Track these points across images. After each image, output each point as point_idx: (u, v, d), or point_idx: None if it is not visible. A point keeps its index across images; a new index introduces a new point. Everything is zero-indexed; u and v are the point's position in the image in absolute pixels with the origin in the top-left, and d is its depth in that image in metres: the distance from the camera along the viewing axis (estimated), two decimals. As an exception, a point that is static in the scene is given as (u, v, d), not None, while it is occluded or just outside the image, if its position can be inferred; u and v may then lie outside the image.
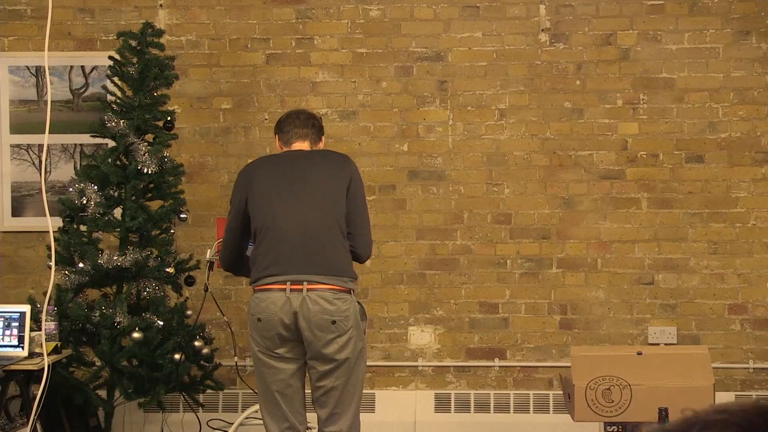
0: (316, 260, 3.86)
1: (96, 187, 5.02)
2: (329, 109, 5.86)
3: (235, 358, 5.45)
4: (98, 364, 5.02)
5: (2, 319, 4.71)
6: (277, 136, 4.20)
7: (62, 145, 5.85)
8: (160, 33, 5.23)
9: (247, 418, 5.38)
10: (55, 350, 4.71)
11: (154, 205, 5.20)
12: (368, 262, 4.21)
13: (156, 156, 5.08)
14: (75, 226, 5.07)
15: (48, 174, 5.84)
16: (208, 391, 5.32)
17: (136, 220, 5.01)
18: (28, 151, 5.91)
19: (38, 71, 5.89)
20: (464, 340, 5.83)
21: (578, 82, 5.80)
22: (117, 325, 4.90)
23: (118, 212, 5.18)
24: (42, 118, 4.24)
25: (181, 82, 5.61)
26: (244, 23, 5.88)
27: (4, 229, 5.91)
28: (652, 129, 5.77)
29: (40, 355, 4.54)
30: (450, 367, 5.84)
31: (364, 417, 4.14)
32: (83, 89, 5.89)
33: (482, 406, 5.77)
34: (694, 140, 5.75)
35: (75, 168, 5.76)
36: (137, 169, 5.05)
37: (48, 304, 4.48)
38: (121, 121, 5.08)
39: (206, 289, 4.85)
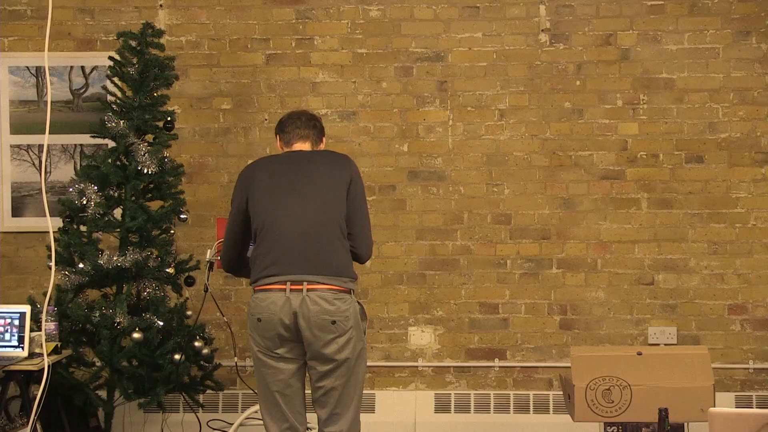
0: (316, 260, 3.85)
1: (96, 188, 5.03)
2: (329, 110, 5.86)
3: (235, 359, 5.45)
4: (98, 364, 5.02)
5: (2, 319, 4.71)
6: (278, 136, 4.20)
7: (62, 145, 5.85)
8: (160, 33, 5.23)
9: (247, 418, 5.38)
10: (55, 350, 4.71)
11: (154, 205, 5.20)
12: (368, 263, 4.21)
13: (156, 156, 5.08)
14: (75, 226, 5.07)
15: (48, 174, 5.84)
16: (208, 391, 5.32)
17: (136, 221, 5.01)
18: (28, 152, 5.91)
19: (38, 71, 5.89)
20: (464, 340, 5.83)
21: (578, 83, 5.80)
22: (117, 325, 4.90)
23: (118, 212, 5.18)
24: (42, 119, 4.25)
25: (181, 82, 5.61)
26: (244, 23, 5.89)
27: (4, 229, 5.91)
28: (652, 129, 5.77)
29: (40, 355, 4.54)
30: (450, 367, 5.84)
31: (364, 417, 4.14)
32: (83, 89, 5.89)
33: (482, 407, 5.77)
34: (694, 140, 5.75)
35: (75, 168, 5.76)
36: (137, 170, 5.05)
37: (48, 305, 4.48)
38: (121, 122, 5.08)
39: (206, 290, 4.84)
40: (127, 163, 5.12)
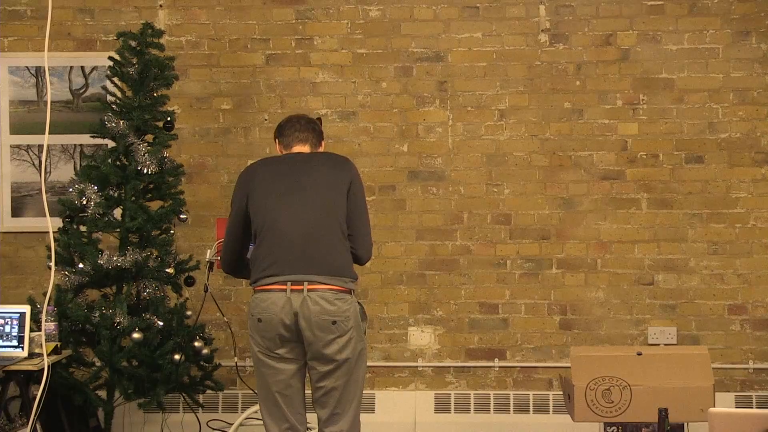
0: (316, 261, 3.86)
1: (96, 188, 5.02)
2: (329, 110, 5.86)
3: (235, 359, 5.45)
4: (98, 364, 5.02)
5: (2, 319, 4.71)
6: (277, 140, 4.20)
7: (62, 145, 5.86)
8: (159, 33, 5.23)
9: (247, 418, 5.38)
10: (55, 351, 4.71)
11: (154, 205, 5.20)
12: (368, 263, 4.21)
13: (156, 156, 5.08)
14: (75, 226, 5.07)
15: (48, 174, 5.84)
16: (208, 391, 5.32)
17: (135, 221, 5.01)
18: (28, 152, 5.91)
19: (38, 72, 5.89)
20: (464, 340, 5.84)
21: (578, 83, 5.80)
22: (117, 325, 4.90)
23: (118, 213, 5.18)
24: (42, 119, 4.25)
25: (180, 82, 5.61)
26: (244, 24, 5.89)
27: (4, 229, 5.91)
28: (651, 129, 5.77)
29: (40, 355, 4.54)
30: (450, 367, 5.84)
31: (364, 417, 4.14)
32: (83, 90, 5.89)
33: (482, 407, 5.77)
34: (694, 141, 5.76)
35: (75, 168, 5.76)
36: (137, 170, 5.05)
37: (48, 305, 4.48)
38: (121, 122, 5.08)
39: (206, 290, 4.85)
40: (127, 163, 5.12)
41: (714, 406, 4.13)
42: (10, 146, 5.90)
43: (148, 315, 5.00)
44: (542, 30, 5.81)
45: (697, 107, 5.76)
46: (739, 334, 5.74)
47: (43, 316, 4.46)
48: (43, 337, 4.51)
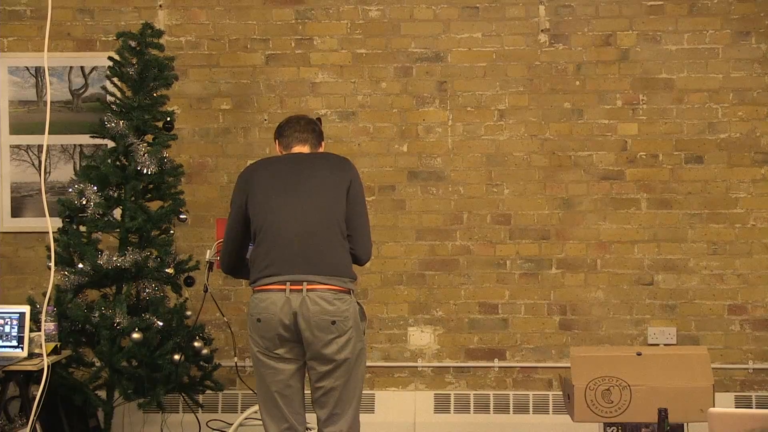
0: (315, 261, 3.86)
1: (95, 188, 5.02)
2: (329, 110, 5.86)
3: (235, 359, 5.46)
4: (98, 364, 5.02)
5: (2, 319, 4.71)
6: (277, 141, 4.20)
7: (62, 145, 5.86)
8: (159, 34, 5.23)
9: (246, 418, 5.38)
10: (55, 351, 4.71)
11: (154, 205, 5.20)
12: (368, 263, 4.21)
13: (155, 156, 5.08)
14: (74, 226, 5.07)
15: (47, 174, 5.84)
16: (208, 391, 5.32)
17: (135, 221, 5.01)
18: (27, 152, 5.91)
19: (38, 72, 5.89)
20: (464, 340, 5.84)
21: (578, 83, 5.80)
22: (116, 325, 4.90)
23: (117, 213, 5.18)
24: (41, 119, 4.25)
25: (180, 82, 5.61)
26: (244, 24, 5.89)
27: (3, 229, 5.91)
28: (651, 129, 5.78)
29: (40, 355, 4.54)
30: (449, 367, 5.84)
31: (363, 417, 4.14)
32: (83, 90, 5.89)
33: (482, 407, 5.77)
34: (694, 141, 5.76)
35: (74, 168, 5.76)
36: (137, 170, 5.05)
37: (47, 305, 4.48)
38: (121, 122, 5.08)
39: (206, 290, 4.85)
40: (126, 163, 5.12)
41: (714, 407, 4.13)
42: (10, 146, 5.90)
43: (148, 315, 5.00)
44: (542, 30, 5.81)
45: (697, 107, 5.76)
46: (739, 335, 5.74)
47: (43, 316, 4.46)
48: (43, 337, 4.51)
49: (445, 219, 5.83)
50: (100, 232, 5.12)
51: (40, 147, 5.82)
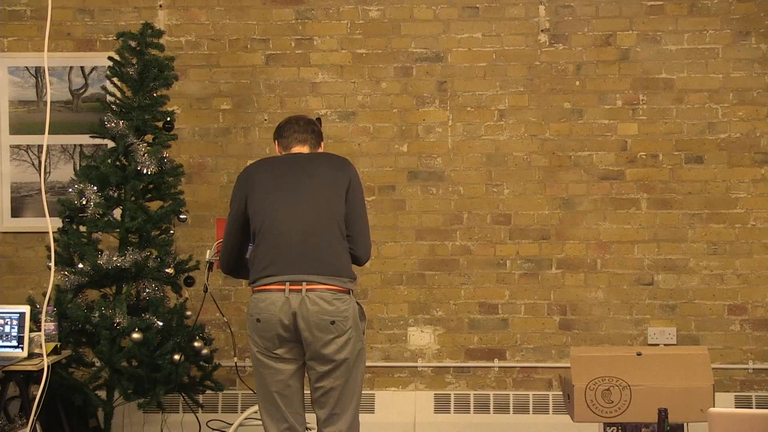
0: (315, 260, 3.86)
1: (95, 188, 5.02)
2: (329, 110, 5.86)
3: (235, 359, 5.46)
4: (98, 364, 5.02)
5: (2, 319, 4.71)
6: (276, 141, 4.20)
7: (62, 145, 5.86)
8: (159, 34, 5.23)
9: (246, 418, 5.38)
10: (55, 351, 4.71)
11: (154, 205, 5.20)
12: (368, 263, 4.21)
13: (155, 156, 5.08)
14: (74, 226, 5.07)
15: (47, 175, 5.84)
16: (208, 391, 5.32)
17: (135, 221, 5.01)
18: (27, 152, 5.91)
19: (38, 72, 5.89)
20: (464, 340, 5.83)
21: (578, 83, 5.80)
22: (116, 325, 4.90)
23: (117, 213, 5.19)
24: (41, 119, 4.25)
25: (180, 82, 5.61)
26: (244, 24, 5.89)
27: (3, 229, 5.91)
28: (651, 130, 5.78)
29: (40, 355, 4.54)
30: (449, 367, 5.84)
31: (363, 417, 4.14)
32: (83, 90, 5.89)
33: (482, 407, 5.77)
34: (694, 141, 5.76)
35: (74, 169, 5.76)
36: (137, 170, 5.05)
37: (47, 305, 4.48)
38: (121, 122, 5.08)
39: (206, 290, 4.85)
40: (126, 163, 5.12)
41: (714, 407, 4.13)
42: (10, 146, 5.90)
43: (148, 315, 5.00)
44: (542, 30, 5.81)
45: (697, 107, 5.76)
46: (739, 335, 5.74)
47: (43, 317, 4.46)
48: (43, 338, 4.51)
49: (445, 219, 5.83)
50: (100, 232, 5.12)
51: (40, 147, 5.82)
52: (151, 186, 5.21)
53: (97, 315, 4.91)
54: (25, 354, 4.66)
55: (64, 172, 5.82)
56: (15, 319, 4.70)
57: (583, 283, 5.79)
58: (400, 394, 5.83)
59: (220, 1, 5.90)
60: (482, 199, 5.83)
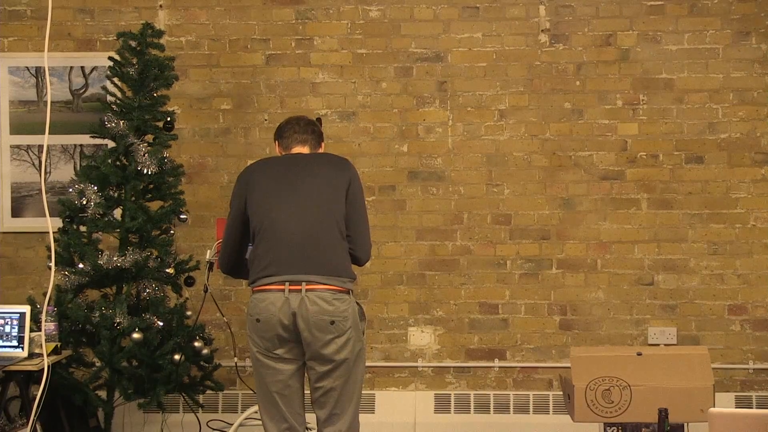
0: (314, 260, 3.86)
1: (96, 188, 5.03)
2: (329, 110, 5.86)
3: (235, 359, 5.45)
4: (98, 364, 5.02)
5: (2, 319, 4.71)
6: (276, 142, 4.21)
7: (62, 145, 5.86)
8: (159, 34, 5.23)
9: (246, 418, 5.38)
10: (55, 351, 4.71)
11: (154, 205, 5.20)
12: (368, 263, 4.21)
13: (156, 157, 5.08)
14: (75, 226, 5.07)
15: (48, 175, 5.84)
16: (208, 391, 5.33)
17: (135, 221, 5.01)
18: (28, 152, 5.91)
19: (38, 72, 5.89)
20: (464, 340, 5.83)
21: (578, 83, 5.80)
22: (117, 325, 4.90)
23: (118, 213, 5.19)
24: (42, 119, 4.25)
25: (180, 82, 5.61)
26: (244, 24, 5.89)
27: (4, 229, 5.91)
28: (651, 130, 5.77)
29: (40, 355, 4.54)
30: (450, 367, 5.84)
31: (363, 418, 4.14)
32: (83, 90, 5.89)
33: (482, 407, 5.77)
34: (694, 141, 5.76)
35: (75, 169, 5.76)
36: (137, 170, 5.05)
37: (48, 305, 4.48)
38: (121, 122, 5.08)
39: (206, 290, 4.85)
40: (126, 163, 5.12)
41: (714, 407, 4.13)
42: (10, 146, 5.90)
43: (148, 315, 5.00)
44: (542, 30, 5.81)
45: (697, 107, 5.76)
46: (739, 335, 5.74)
47: (43, 316, 4.46)
48: (43, 338, 4.51)
49: (445, 219, 5.83)
50: (100, 232, 5.13)
51: (40, 147, 5.82)
52: (152, 186, 5.21)
53: (97, 315, 4.91)
54: (25, 354, 4.66)
55: (64, 172, 5.82)
56: (15, 319, 4.70)
57: (583, 283, 5.79)
58: (400, 394, 5.83)
59: (221, 1, 5.90)
60: (482, 199, 5.83)
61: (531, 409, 5.75)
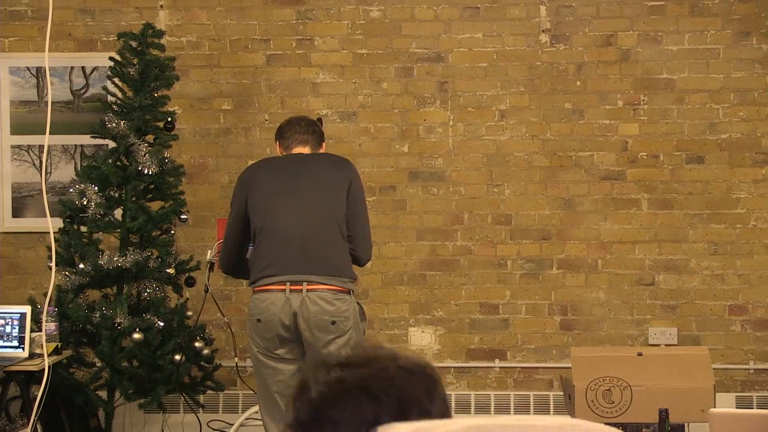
0: (315, 261, 3.86)
1: (96, 188, 5.03)
2: (329, 110, 5.86)
3: (236, 359, 5.45)
4: (98, 364, 5.02)
5: (3, 319, 4.71)
6: (277, 142, 4.21)
7: (63, 146, 5.86)
8: (160, 34, 5.24)
9: (247, 419, 5.38)
10: (56, 351, 4.71)
11: (155, 206, 5.20)
12: (369, 263, 4.21)
13: (156, 157, 5.08)
14: (75, 226, 5.07)
15: (48, 175, 5.83)
16: (209, 391, 5.33)
17: (136, 221, 5.01)
18: (28, 152, 5.91)
19: (39, 72, 5.89)
20: (464, 341, 5.83)
21: (579, 83, 5.80)
22: (117, 325, 4.90)
23: (118, 213, 5.19)
24: (42, 119, 4.25)
25: (181, 82, 5.61)
26: (245, 24, 5.89)
27: (4, 229, 5.91)
28: (652, 130, 5.77)
29: (41, 355, 4.54)
30: (450, 368, 5.84)
31: (364, 418, 4.13)
32: (84, 90, 5.89)
33: (482, 407, 5.77)
34: (695, 141, 5.75)
35: (75, 169, 5.76)
36: (138, 170, 5.05)
37: (48, 305, 4.49)
38: (122, 122, 5.09)
39: (206, 290, 4.84)
40: (127, 163, 5.12)
41: (714, 407, 4.13)
42: (11, 146, 5.90)
43: (149, 315, 5.00)
44: (543, 30, 5.81)
45: (698, 108, 5.75)
46: (740, 335, 5.74)
47: (44, 317, 4.47)
48: (44, 338, 4.51)
49: (445, 219, 5.83)
50: (101, 233, 5.13)
51: (41, 147, 5.80)
52: (152, 186, 5.21)
53: (98, 315, 4.91)
54: (26, 354, 4.66)
55: (65, 172, 5.82)
56: (16, 319, 4.70)
57: (583, 284, 5.78)
58: (400, 394, 5.82)
59: (221, 1, 5.90)
60: (483, 200, 5.82)
61: (531, 410, 5.75)
